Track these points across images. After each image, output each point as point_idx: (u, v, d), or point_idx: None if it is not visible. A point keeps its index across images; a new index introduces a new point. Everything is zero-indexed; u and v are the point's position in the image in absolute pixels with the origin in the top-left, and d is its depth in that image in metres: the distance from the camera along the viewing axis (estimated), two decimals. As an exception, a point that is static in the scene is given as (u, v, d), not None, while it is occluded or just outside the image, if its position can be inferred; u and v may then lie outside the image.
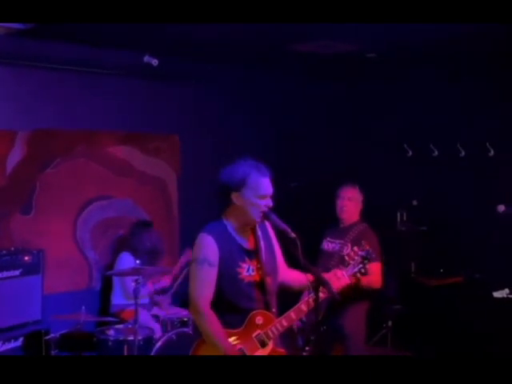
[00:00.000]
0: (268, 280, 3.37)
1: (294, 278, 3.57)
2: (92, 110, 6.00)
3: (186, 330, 5.07)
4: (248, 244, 3.41)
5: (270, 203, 3.35)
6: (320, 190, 6.49)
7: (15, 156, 5.57)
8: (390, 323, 6.33)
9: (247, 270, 3.34)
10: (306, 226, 4.31)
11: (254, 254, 3.39)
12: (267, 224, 3.46)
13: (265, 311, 3.36)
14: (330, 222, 5.25)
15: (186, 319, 5.23)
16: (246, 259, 3.36)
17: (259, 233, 3.46)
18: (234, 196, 3.34)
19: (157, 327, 5.35)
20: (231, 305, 3.31)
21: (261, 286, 3.37)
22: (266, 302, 3.37)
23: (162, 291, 5.71)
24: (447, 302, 6.17)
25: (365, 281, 4.73)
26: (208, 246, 3.32)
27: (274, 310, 3.40)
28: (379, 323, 6.27)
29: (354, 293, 4.68)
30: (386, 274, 5.04)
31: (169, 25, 4.75)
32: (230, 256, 3.33)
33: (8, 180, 5.52)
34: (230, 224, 3.38)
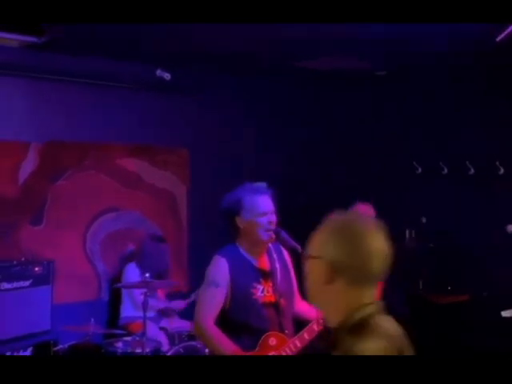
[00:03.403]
0: (282, 301, 3.39)
1: (304, 310, 3.59)
2: (103, 123, 6.06)
3: (193, 343, 5.08)
4: (262, 265, 3.43)
5: (272, 219, 3.37)
6: (328, 206, 6.51)
7: (27, 167, 5.63)
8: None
9: (261, 291, 3.36)
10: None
11: (268, 275, 3.41)
12: (283, 250, 3.48)
13: (278, 332, 3.37)
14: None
15: (193, 333, 5.24)
16: (261, 280, 3.38)
17: (274, 255, 3.48)
18: (237, 220, 3.39)
19: (164, 340, 5.37)
20: (244, 326, 3.32)
21: (275, 307, 3.38)
22: (279, 323, 3.38)
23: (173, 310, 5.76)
24: (455, 320, 6.15)
25: None
26: (218, 268, 3.36)
27: (287, 331, 3.40)
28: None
29: None
30: (394, 290, 5.02)
31: (180, 37, 4.79)
32: (244, 277, 3.35)
33: (20, 191, 5.57)
34: (243, 247, 3.41)
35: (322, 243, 1.97)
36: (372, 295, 1.97)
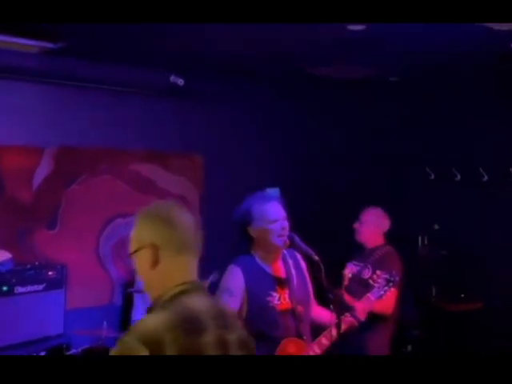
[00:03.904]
0: (299, 308, 3.38)
1: (320, 315, 3.58)
2: (117, 128, 6.09)
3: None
4: (277, 272, 3.43)
5: (284, 224, 3.38)
6: (340, 212, 6.50)
7: (42, 172, 5.66)
8: (409, 348, 6.28)
9: (278, 299, 3.36)
10: (328, 249, 4.32)
11: (284, 282, 3.41)
12: (298, 255, 3.48)
13: (296, 339, 3.37)
14: (350, 246, 5.25)
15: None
16: (277, 288, 3.38)
17: (289, 261, 3.48)
18: (250, 230, 3.41)
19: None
20: (261, 334, 3.28)
21: (292, 313, 3.38)
22: (297, 330, 3.37)
23: None
24: (468, 328, 6.12)
25: (379, 306, 4.65)
26: (232, 277, 3.37)
27: (305, 337, 3.40)
28: (398, 348, 6.22)
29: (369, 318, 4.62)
30: (407, 297, 5.01)
31: (193, 43, 4.79)
32: (260, 286, 3.35)
33: (34, 195, 5.61)
34: (258, 255, 3.42)
35: (136, 235, 2.15)
36: (190, 274, 2.11)
